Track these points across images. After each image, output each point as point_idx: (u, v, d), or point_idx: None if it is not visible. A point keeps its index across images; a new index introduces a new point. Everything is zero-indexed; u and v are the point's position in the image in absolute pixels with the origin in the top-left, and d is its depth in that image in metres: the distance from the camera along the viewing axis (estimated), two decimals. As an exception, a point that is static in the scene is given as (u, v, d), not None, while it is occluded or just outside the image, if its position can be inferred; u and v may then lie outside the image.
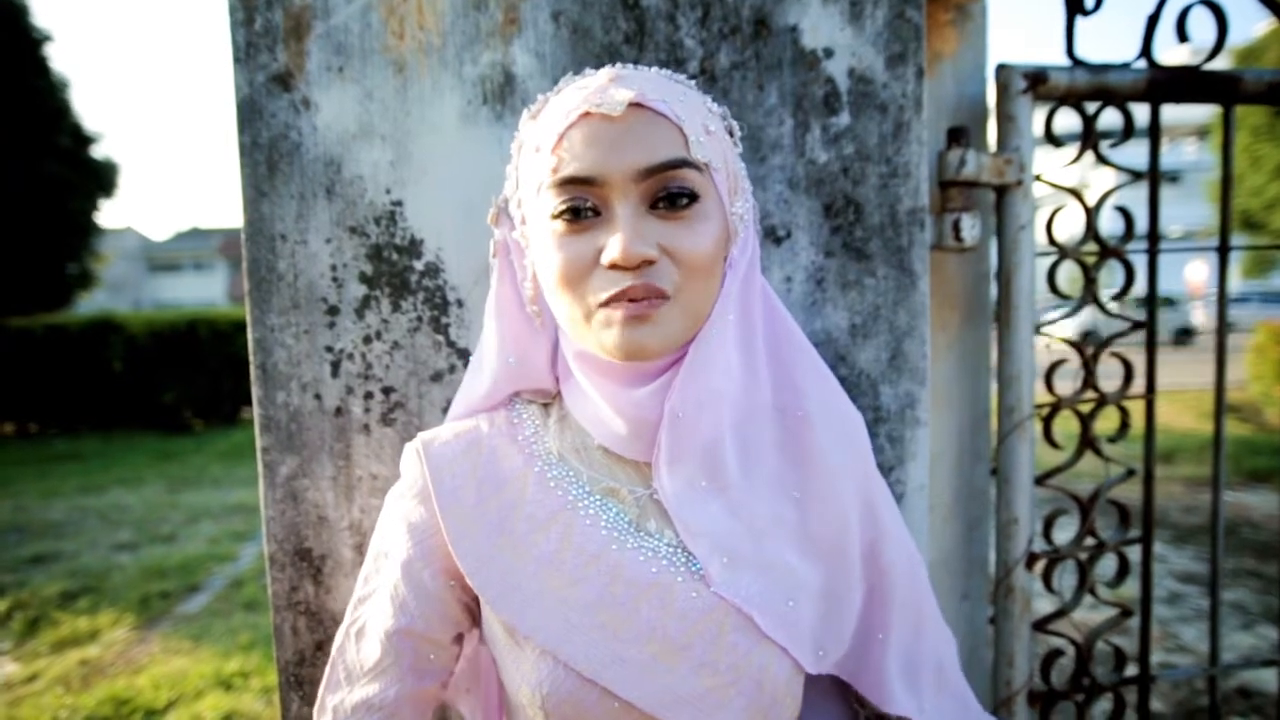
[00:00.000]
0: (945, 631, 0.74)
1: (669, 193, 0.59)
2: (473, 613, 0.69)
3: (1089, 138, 1.14)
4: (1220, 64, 1.20)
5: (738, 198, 0.65)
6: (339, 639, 0.70)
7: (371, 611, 0.68)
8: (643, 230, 0.58)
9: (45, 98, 10.50)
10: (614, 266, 0.58)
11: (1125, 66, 1.13)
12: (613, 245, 0.57)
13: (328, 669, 0.70)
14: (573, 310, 0.61)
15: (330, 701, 0.68)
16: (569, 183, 0.59)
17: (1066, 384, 1.18)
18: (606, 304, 0.59)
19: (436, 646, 0.68)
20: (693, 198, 0.60)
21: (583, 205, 0.59)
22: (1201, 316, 17.37)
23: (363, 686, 0.66)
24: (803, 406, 0.69)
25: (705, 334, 0.63)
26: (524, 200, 0.65)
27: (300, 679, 0.94)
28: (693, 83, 0.67)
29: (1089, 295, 1.18)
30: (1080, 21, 1.13)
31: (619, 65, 0.64)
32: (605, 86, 0.60)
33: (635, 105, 0.58)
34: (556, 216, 0.60)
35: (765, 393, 0.68)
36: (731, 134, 0.68)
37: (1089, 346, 1.18)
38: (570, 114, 0.59)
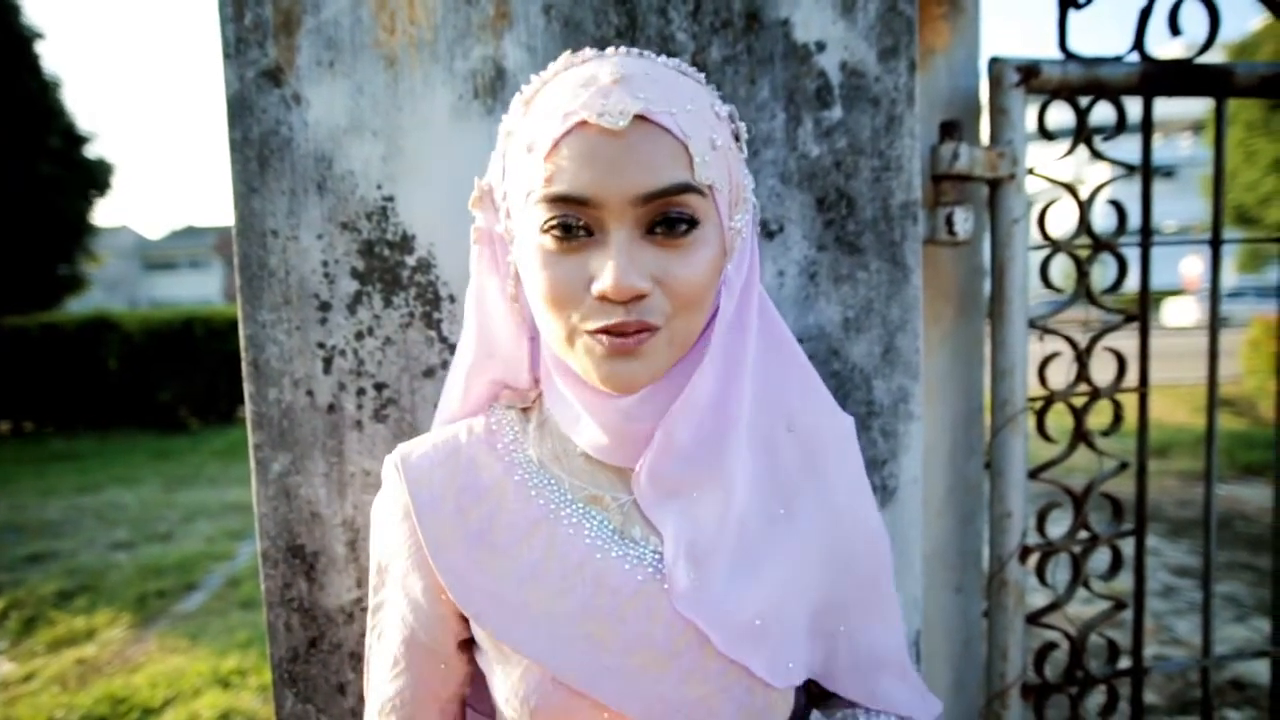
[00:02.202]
0: (901, 627, 0.74)
1: (668, 219, 0.56)
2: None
3: (1082, 131, 1.14)
4: (1213, 58, 1.20)
5: (738, 211, 0.62)
6: (368, 638, 0.72)
7: (385, 621, 0.69)
8: (637, 259, 0.55)
9: (37, 97, 10.44)
10: (603, 298, 0.55)
11: (1118, 60, 1.13)
12: (605, 276, 0.54)
13: (365, 660, 0.72)
14: (557, 330, 0.59)
15: (370, 694, 0.71)
16: (561, 200, 0.55)
17: (1060, 378, 1.18)
18: (593, 332, 0.57)
19: (442, 658, 0.68)
20: (692, 224, 0.56)
21: (574, 223, 0.56)
22: (1195, 311, 17.43)
23: (387, 685, 0.68)
24: (791, 419, 0.68)
25: (698, 355, 0.62)
26: (510, 196, 0.62)
27: (294, 675, 0.94)
28: (701, 75, 0.63)
29: (1082, 289, 1.19)
30: (1073, 15, 1.13)
31: (624, 51, 0.60)
32: (608, 89, 0.55)
33: (639, 118, 0.54)
34: (546, 231, 0.57)
35: (754, 410, 0.67)
36: (738, 138, 0.63)
37: (1083, 340, 1.19)
38: (568, 119, 0.55)
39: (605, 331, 0.56)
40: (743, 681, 0.61)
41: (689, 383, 0.60)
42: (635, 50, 0.61)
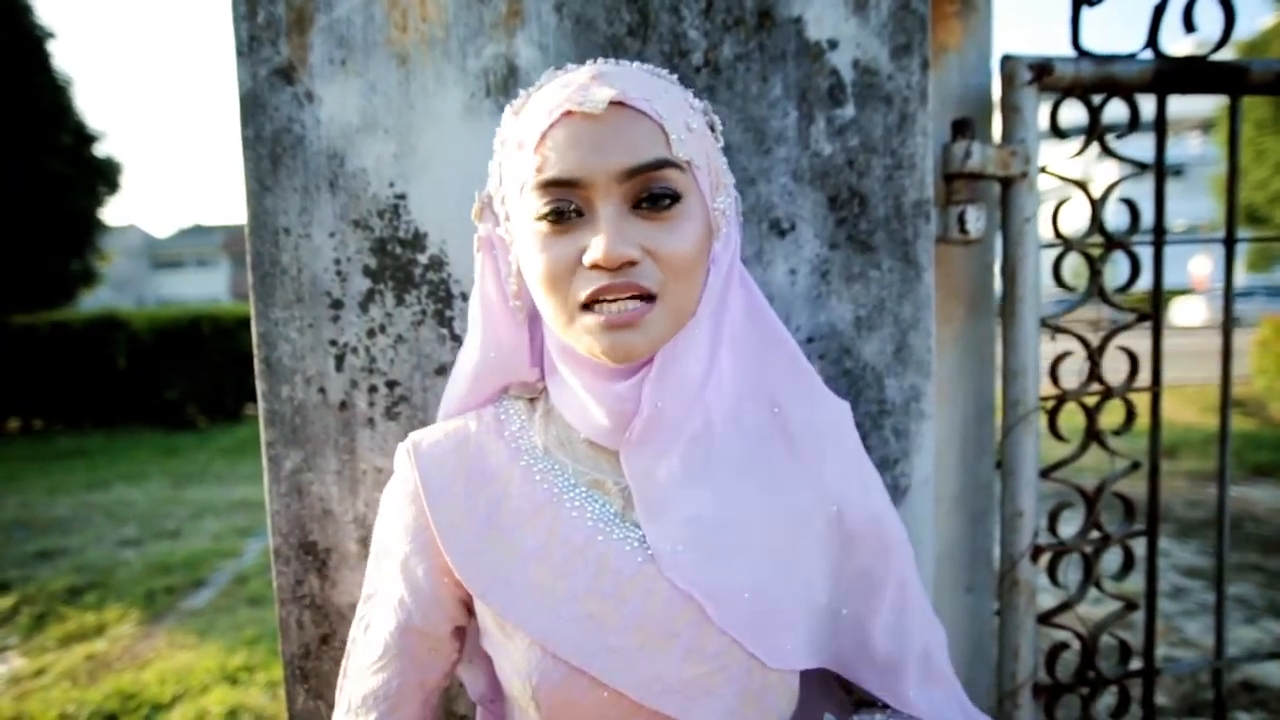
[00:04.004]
0: (934, 622, 0.74)
1: (651, 193, 0.59)
2: (469, 607, 0.70)
3: (1094, 129, 1.14)
4: (1226, 56, 1.19)
5: (720, 193, 0.65)
6: (352, 633, 0.72)
7: (375, 609, 0.70)
8: (625, 231, 0.58)
9: (48, 96, 10.50)
10: (596, 267, 0.58)
11: (1131, 57, 1.12)
12: (595, 246, 0.58)
13: (344, 660, 0.72)
14: (558, 311, 0.62)
15: (346, 689, 0.71)
16: (552, 184, 0.59)
17: (1072, 377, 1.17)
18: (589, 304, 0.60)
19: (436, 641, 0.69)
20: (675, 198, 0.60)
21: (566, 206, 0.59)
22: (1204, 310, 17.33)
23: (369, 678, 0.69)
24: (779, 399, 0.69)
25: (688, 330, 0.63)
26: (507, 198, 0.65)
27: (305, 672, 0.95)
28: (674, 77, 0.67)
29: (1094, 288, 1.18)
30: (1086, 13, 1.12)
31: (600, 61, 0.65)
32: (587, 85, 0.60)
33: (617, 104, 0.58)
34: (540, 218, 0.60)
35: (740, 385, 0.68)
36: (713, 129, 0.68)
37: (1095, 339, 1.18)
38: (552, 112, 0.59)
39: (599, 296, 0.59)
40: (741, 663, 0.62)
41: (672, 355, 0.63)
42: (613, 60, 0.66)
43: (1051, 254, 1.18)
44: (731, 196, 0.68)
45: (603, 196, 0.58)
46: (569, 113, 0.59)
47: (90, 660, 3.04)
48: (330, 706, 0.95)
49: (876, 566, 0.69)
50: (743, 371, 0.69)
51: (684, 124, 0.61)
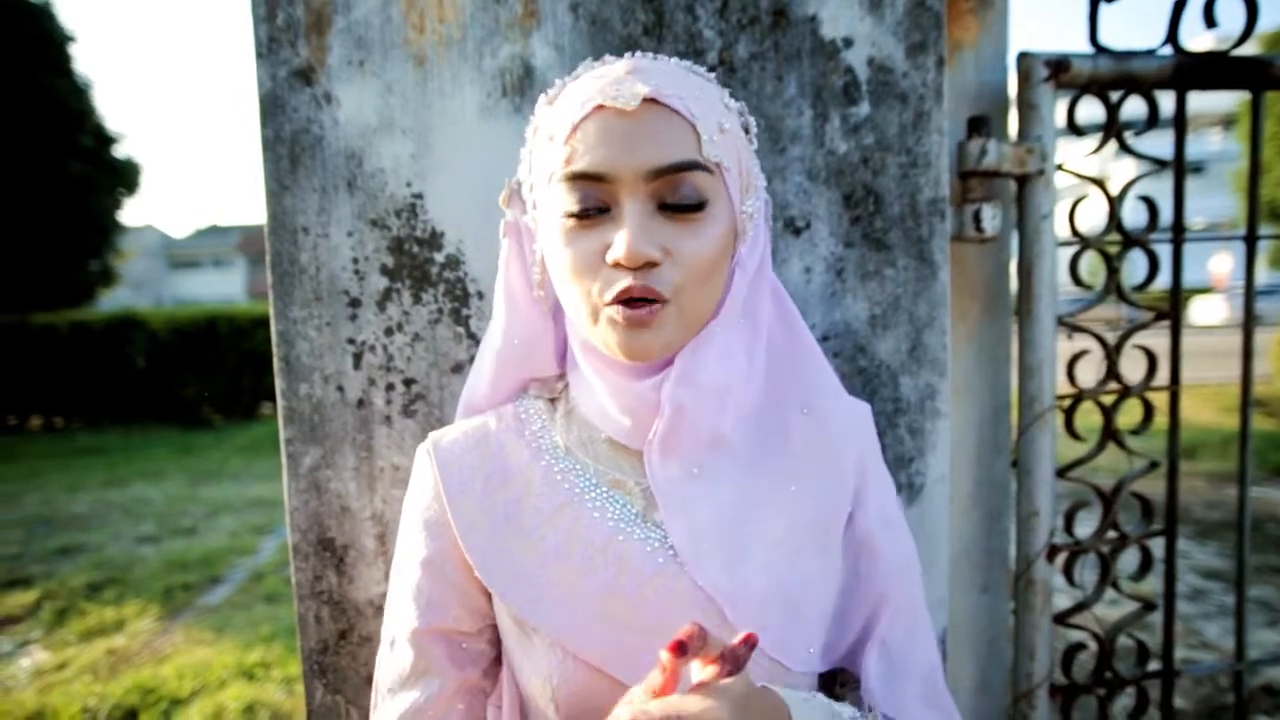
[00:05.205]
0: (935, 647, 0.73)
1: (678, 194, 0.59)
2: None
3: (1112, 126, 1.13)
4: (1248, 51, 1.18)
5: (749, 196, 0.65)
6: (379, 655, 0.70)
7: (398, 621, 0.69)
8: (649, 230, 0.58)
9: (68, 99, 10.66)
10: (617, 265, 0.58)
11: (1150, 53, 1.11)
12: (618, 244, 0.58)
13: (375, 671, 0.70)
14: (580, 305, 0.62)
15: (383, 707, 0.68)
16: (579, 177, 0.59)
17: (1089, 376, 1.17)
18: (610, 304, 0.60)
19: (468, 639, 0.68)
20: (701, 201, 0.60)
21: (591, 201, 0.59)
22: (1223, 309, 17.10)
23: (405, 694, 0.66)
24: (803, 404, 0.69)
25: (709, 331, 0.63)
26: (535, 187, 0.65)
27: (324, 667, 0.96)
28: (712, 75, 0.67)
29: (1111, 286, 1.17)
30: (1104, 9, 1.11)
31: (639, 55, 0.64)
32: (622, 78, 0.59)
33: (650, 100, 0.58)
34: (567, 214, 0.60)
35: (766, 389, 0.68)
36: (747, 130, 0.67)
37: (1112, 337, 1.17)
38: (585, 105, 0.59)
39: (619, 301, 0.59)
40: (760, 665, 0.62)
41: (693, 357, 0.63)
42: (650, 54, 0.65)
43: (1068, 252, 1.17)
44: (761, 200, 0.67)
45: (629, 193, 0.58)
46: (601, 106, 0.58)
47: (110, 655, 3.09)
48: (348, 701, 0.96)
49: (883, 574, 0.69)
50: (771, 378, 0.68)
51: (717, 125, 0.61)
